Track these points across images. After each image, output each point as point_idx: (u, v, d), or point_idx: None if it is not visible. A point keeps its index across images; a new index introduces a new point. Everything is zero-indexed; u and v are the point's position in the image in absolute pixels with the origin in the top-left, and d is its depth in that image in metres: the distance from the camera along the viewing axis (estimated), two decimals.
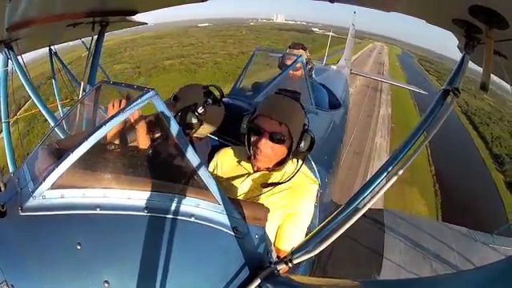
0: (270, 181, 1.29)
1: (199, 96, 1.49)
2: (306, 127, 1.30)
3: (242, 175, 1.36)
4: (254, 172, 1.34)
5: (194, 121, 1.45)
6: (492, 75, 1.04)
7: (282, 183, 1.25)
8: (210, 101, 1.48)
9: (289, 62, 2.68)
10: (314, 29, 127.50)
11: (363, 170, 15.24)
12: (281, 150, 1.24)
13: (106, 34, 2.73)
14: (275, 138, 1.20)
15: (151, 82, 32.34)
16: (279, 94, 1.33)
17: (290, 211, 1.23)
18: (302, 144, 1.26)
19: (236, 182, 1.35)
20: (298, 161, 1.30)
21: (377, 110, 24.04)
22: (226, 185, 1.33)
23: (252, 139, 1.28)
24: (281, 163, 1.29)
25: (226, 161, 1.47)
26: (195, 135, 1.56)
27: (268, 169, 1.32)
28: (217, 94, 1.57)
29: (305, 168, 1.35)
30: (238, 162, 1.41)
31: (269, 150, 1.23)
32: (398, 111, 24.75)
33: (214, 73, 37.25)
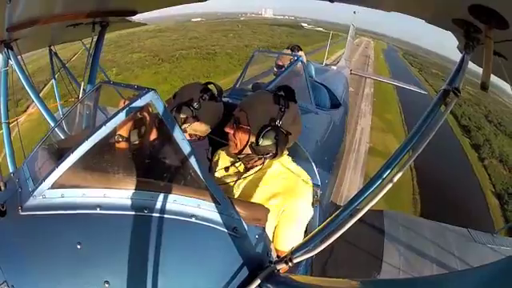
0: (261, 181, 1.30)
1: (196, 92, 1.51)
2: (275, 124, 1.24)
3: (235, 175, 1.37)
4: (246, 172, 1.35)
5: (189, 114, 1.47)
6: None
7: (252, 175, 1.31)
8: (206, 96, 1.51)
9: (280, 63, 2.92)
10: (303, 24, 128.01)
11: (354, 124, 21.40)
12: (240, 136, 1.30)
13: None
14: (234, 122, 1.32)
15: (178, 67, 34.88)
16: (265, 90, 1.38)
17: (284, 211, 1.23)
18: (262, 137, 1.23)
19: (229, 182, 1.36)
20: (263, 159, 1.30)
21: (362, 89, 30.86)
22: (221, 185, 1.33)
23: None
24: (241, 151, 1.32)
25: (221, 161, 1.48)
26: (194, 133, 1.55)
27: (235, 154, 1.35)
28: (215, 91, 1.57)
29: (299, 170, 1.35)
30: (232, 163, 1.42)
31: (231, 133, 1.32)
32: (380, 92, 31.43)
33: (228, 61, 38.49)
